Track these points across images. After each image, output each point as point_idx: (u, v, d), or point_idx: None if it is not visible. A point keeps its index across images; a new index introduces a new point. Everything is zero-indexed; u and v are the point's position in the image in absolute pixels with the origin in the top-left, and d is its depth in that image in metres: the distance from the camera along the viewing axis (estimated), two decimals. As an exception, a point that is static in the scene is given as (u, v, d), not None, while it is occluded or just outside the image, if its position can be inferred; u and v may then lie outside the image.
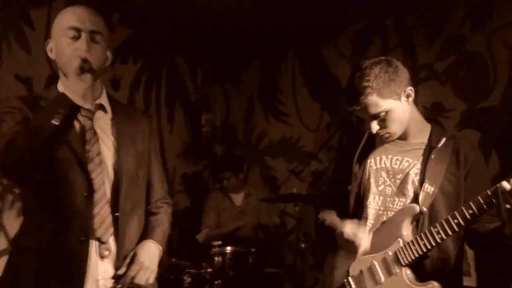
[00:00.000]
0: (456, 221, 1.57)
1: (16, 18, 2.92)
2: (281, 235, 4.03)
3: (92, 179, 1.51)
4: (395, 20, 3.84)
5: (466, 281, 2.44)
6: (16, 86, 2.88)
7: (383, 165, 1.79)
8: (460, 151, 1.73)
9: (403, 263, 1.66)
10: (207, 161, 4.46)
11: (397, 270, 1.67)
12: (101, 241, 1.52)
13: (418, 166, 1.74)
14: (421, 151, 1.75)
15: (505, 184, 1.44)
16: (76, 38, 1.52)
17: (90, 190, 1.50)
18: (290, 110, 4.30)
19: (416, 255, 1.64)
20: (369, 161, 1.81)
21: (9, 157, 1.39)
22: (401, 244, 1.68)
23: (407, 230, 1.70)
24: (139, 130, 1.67)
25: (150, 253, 1.58)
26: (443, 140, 1.73)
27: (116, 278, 1.53)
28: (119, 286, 1.52)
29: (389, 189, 1.77)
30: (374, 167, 1.80)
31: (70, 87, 1.46)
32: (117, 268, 1.54)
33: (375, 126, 1.69)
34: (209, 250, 3.07)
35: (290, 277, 3.57)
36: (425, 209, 1.68)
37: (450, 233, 1.59)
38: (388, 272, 1.69)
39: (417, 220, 1.70)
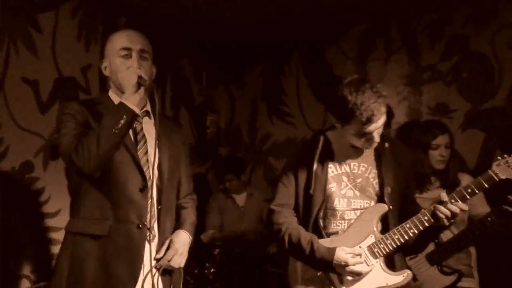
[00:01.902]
0: (426, 217, 1.82)
1: (23, 21, 2.97)
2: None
3: (145, 175, 1.77)
4: (398, 21, 3.85)
5: (469, 283, 2.45)
6: (23, 89, 2.93)
7: (343, 170, 1.95)
8: (396, 150, 1.98)
9: (378, 256, 1.85)
10: (212, 162, 4.49)
11: (373, 262, 1.86)
12: (149, 229, 1.77)
13: (374, 170, 1.95)
14: (372, 157, 1.97)
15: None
16: (128, 56, 1.81)
17: (144, 184, 1.76)
18: (294, 111, 4.32)
19: (391, 248, 1.85)
20: (329, 166, 1.95)
21: (79, 157, 1.65)
22: (374, 239, 1.87)
23: (377, 227, 1.89)
24: (175, 136, 1.95)
25: (183, 241, 1.87)
26: (387, 144, 1.96)
27: (156, 260, 1.80)
28: (158, 266, 1.80)
29: (351, 192, 1.94)
30: (335, 172, 1.95)
31: (127, 98, 1.71)
32: (156, 251, 1.82)
33: (378, 136, 1.87)
34: (213, 250, 3.09)
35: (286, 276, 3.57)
36: (391, 207, 1.89)
37: (421, 228, 1.83)
38: (364, 265, 1.84)
39: (384, 217, 1.90)
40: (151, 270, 1.77)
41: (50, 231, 2.99)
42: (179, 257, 1.83)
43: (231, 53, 4.50)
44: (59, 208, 3.01)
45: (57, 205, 3.00)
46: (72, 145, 1.67)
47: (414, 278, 2.41)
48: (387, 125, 3.32)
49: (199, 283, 3.03)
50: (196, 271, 3.01)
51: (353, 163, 1.97)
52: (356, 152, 1.97)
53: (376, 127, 1.82)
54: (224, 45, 4.34)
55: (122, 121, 1.66)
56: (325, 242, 1.87)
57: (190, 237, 1.91)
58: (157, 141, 1.79)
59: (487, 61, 3.51)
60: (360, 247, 1.87)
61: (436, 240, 2.40)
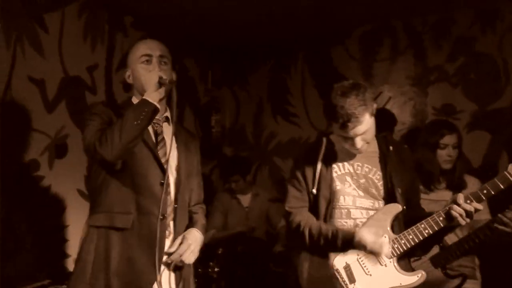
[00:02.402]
0: (441, 218, 1.84)
1: (30, 21, 3.00)
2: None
3: (164, 170, 1.85)
4: (404, 22, 3.84)
5: (471, 284, 2.44)
6: (30, 88, 2.95)
7: (346, 170, 1.99)
8: (400, 153, 2.03)
9: (391, 255, 1.87)
10: (217, 162, 4.50)
11: (386, 262, 1.88)
12: (167, 224, 1.86)
13: (378, 172, 1.98)
14: (376, 159, 2.00)
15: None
16: (149, 62, 1.92)
17: (164, 179, 1.84)
18: (299, 111, 4.32)
19: (405, 247, 1.87)
20: (333, 166, 1.99)
21: (102, 146, 1.72)
22: (387, 239, 1.88)
23: (390, 227, 1.91)
24: (191, 145, 2.07)
25: (196, 239, 1.92)
26: (391, 148, 2.00)
27: (168, 254, 1.87)
28: (170, 261, 1.86)
29: (355, 192, 1.97)
30: (339, 172, 1.99)
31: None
32: (170, 246, 1.89)
33: (360, 142, 1.89)
34: (216, 249, 3.10)
35: (297, 277, 3.57)
36: (404, 208, 1.91)
37: (436, 228, 1.84)
38: (377, 264, 1.88)
39: (395, 218, 1.92)
40: (165, 263, 1.85)
41: (56, 229, 3.02)
42: (190, 253, 1.87)
43: (237, 53, 4.51)
44: (64, 206, 3.04)
45: (62, 203, 3.02)
46: (96, 137, 1.76)
47: None
48: (390, 130, 3.34)
49: (203, 282, 3.04)
50: (200, 270, 3.02)
51: (357, 163, 2.00)
52: (359, 153, 1.98)
53: (355, 134, 1.85)
54: (229, 45, 4.35)
55: (143, 114, 1.75)
56: None
57: (202, 237, 1.98)
58: (175, 146, 1.93)
59: (493, 62, 3.50)
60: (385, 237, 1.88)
61: (440, 244, 2.39)
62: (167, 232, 1.87)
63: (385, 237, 1.88)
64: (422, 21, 3.77)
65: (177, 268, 1.90)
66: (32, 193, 2.91)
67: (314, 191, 1.95)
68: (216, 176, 4.51)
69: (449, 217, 1.83)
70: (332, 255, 1.92)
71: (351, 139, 1.88)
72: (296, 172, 2.03)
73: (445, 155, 2.54)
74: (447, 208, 1.83)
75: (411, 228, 1.88)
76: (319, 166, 1.97)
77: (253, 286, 3.11)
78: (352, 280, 1.88)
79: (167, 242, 1.89)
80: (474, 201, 1.82)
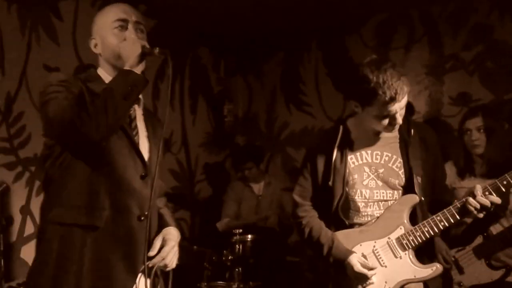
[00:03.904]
0: (457, 210, 1.78)
1: (45, 10, 3.00)
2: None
3: (145, 162, 1.59)
4: (420, 10, 3.78)
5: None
6: (45, 76, 2.97)
7: (364, 160, 1.90)
8: (424, 136, 1.92)
9: (407, 248, 1.82)
10: (229, 151, 4.50)
11: (401, 254, 1.83)
12: (141, 219, 1.57)
13: (399, 160, 1.88)
14: (396, 145, 1.91)
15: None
16: (124, 28, 1.61)
17: (145, 171, 1.58)
18: (312, 101, 4.29)
19: (420, 240, 1.82)
20: (349, 157, 1.90)
21: (85, 125, 1.41)
22: (404, 231, 1.83)
23: (407, 218, 1.85)
24: (157, 131, 1.73)
25: (177, 239, 1.67)
26: (412, 131, 1.89)
27: (148, 258, 1.58)
28: (151, 265, 1.58)
29: (373, 182, 1.89)
30: (356, 163, 1.90)
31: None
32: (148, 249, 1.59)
33: (400, 117, 1.79)
34: (231, 238, 3.11)
35: (311, 266, 3.58)
36: (423, 199, 1.84)
37: (452, 221, 1.79)
38: (392, 256, 1.84)
39: (414, 209, 1.86)
40: (145, 268, 1.56)
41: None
42: (174, 256, 1.64)
43: (250, 42, 4.48)
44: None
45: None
46: (73, 113, 1.42)
47: (461, 271, 2.38)
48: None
49: (217, 269, 3.05)
50: (214, 258, 3.03)
51: (375, 152, 1.91)
52: (379, 140, 1.91)
53: (400, 107, 1.76)
54: (242, 34, 4.32)
55: (133, 89, 1.48)
56: (354, 233, 1.87)
57: (180, 235, 1.72)
58: (146, 133, 1.66)
59: (511, 50, 3.43)
60: (389, 238, 1.84)
61: (485, 233, 2.33)
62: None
63: (400, 228, 1.83)
64: (438, 9, 3.71)
65: (156, 274, 1.62)
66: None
67: (330, 183, 1.87)
68: (229, 165, 4.51)
69: (465, 209, 1.78)
70: (349, 245, 1.86)
71: (391, 116, 1.77)
72: (307, 160, 1.97)
73: (469, 140, 2.48)
74: (463, 200, 1.78)
75: (426, 220, 1.82)
76: (333, 156, 1.88)
77: (266, 275, 3.12)
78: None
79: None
80: (493, 193, 1.76)
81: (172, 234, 1.65)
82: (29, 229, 2.90)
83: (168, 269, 1.63)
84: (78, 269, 1.46)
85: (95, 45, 1.67)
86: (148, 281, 1.57)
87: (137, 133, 1.62)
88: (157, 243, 1.60)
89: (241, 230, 3.08)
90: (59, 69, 3.03)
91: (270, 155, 4.40)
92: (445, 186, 2.03)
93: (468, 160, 2.51)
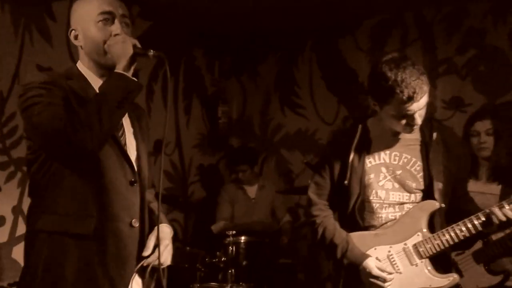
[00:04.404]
0: (480, 221, 1.71)
1: (39, 10, 2.99)
2: (295, 227, 4.05)
3: (134, 167, 1.53)
4: (414, 13, 3.80)
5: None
6: (38, 76, 2.95)
7: (382, 160, 1.84)
8: (446, 140, 1.84)
9: (424, 256, 1.76)
10: (223, 153, 4.50)
11: (417, 262, 1.76)
12: (135, 225, 1.53)
13: (419, 163, 1.81)
14: (417, 147, 1.83)
15: None
16: (109, 21, 1.50)
17: (134, 178, 1.53)
18: (306, 103, 4.30)
19: (438, 249, 1.75)
20: (367, 156, 1.84)
21: (78, 134, 1.36)
22: (421, 238, 1.77)
23: (425, 225, 1.78)
24: (143, 124, 1.68)
25: (170, 237, 1.64)
26: (435, 135, 1.81)
27: (142, 258, 1.56)
28: (146, 264, 1.55)
29: (389, 184, 1.82)
30: (373, 163, 1.84)
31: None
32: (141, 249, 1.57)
33: (419, 118, 1.72)
34: (224, 239, 3.11)
35: (304, 268, 3.59)
36: (443, 205, 1.76)
37: (474, 232, 1.72)
38: (408, 263, 1.77)
39: (432, 215, 1.78)
40: (137, 271, 1.54)
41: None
42: (168, 254, 1.61)
43: (244, 44, 4.48)
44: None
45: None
46: (62, 118, 1.35)
47: (460, 274, 2.33)
48: None
49: (210, 271, 3.05)
50: (207, 259, 3.03)
51: (394, 153, 1.83)
52: (398, 141, 1.83)
53: (418, 107, 1.67)
54: (237, 36, 4.32)
55: (127, 95, 1.41)
56: (369, 236, 1.81)
57: (172, 231, 1.69)
58: (132, 130, 1.60)
59: (503, 55, 3.46)
60: (406, 244, 1.78)
61: (485, 239, 2.29)
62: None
63: (418, 235, 1.77)
64: (432, 13, 3.73)
65: (153, 271, 1.59)
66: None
67: (346, 182, 1.81)
68: (223, 167, 4.51)
69: (489, 220, 1.70)
70: (363, 249, 1.80)
71: (410, 116, 1.69)
72: (324, 159, 1.92)
73: (477, 143, 2.45)
74: (487, 211, 1.72)
75: (446, 229, 1.75)
76: (351, 156, 1.82)
77: (259, 277, 3.12)
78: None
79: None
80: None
81: (165, 232, 1.61)
82: (21, 229, 2.88)
83: (163, 266, 1.57)
84: (67, 278, 1.42)
85: (75, 37, 1.55)
86: (143, 281, 1.55)
87: (123, 132, 1.55)
88: (151, 243, 1.56)
89: (234, 232, 3.08)
90: (52, 70, 3.02)
91: (264, 157, 4.40)
92: (466, 195, 1.95)
93: (473, 163, 2.42)
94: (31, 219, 1.51)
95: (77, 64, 1.58)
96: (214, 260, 3.03)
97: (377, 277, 1.73)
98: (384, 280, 1.73)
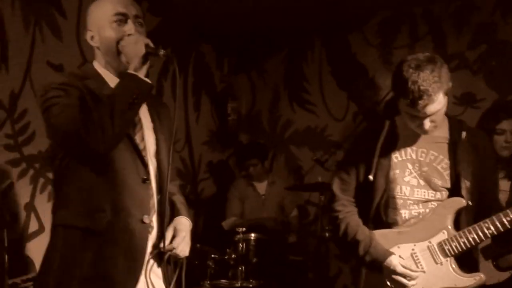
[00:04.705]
0: (508, 218, 1.67)
1: (49, 7, 3.00)
2: (304, 224, 4.04)
3: (147, 164, 1.57)
4: (424, 8, 3.76)
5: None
6: (48, 73, 2.96)
7: (408, 156, 1.82)
8: (476, 143, 1.82)
9: (449, 254, 1.73)
10: (233, 149, 4.49)
11: (442, 260, 1.74)
12: (146, 221, 1.56)
13: (446, 161, 1.79)
14: (444, 145, 1.81)
15: None
16: (123, 22, 1.56)
17: (147, 175, 1.56)
18: (316, 99, 4.28)
19: (464, 247, 1.71)
20: (394, 152, 1.82)
21: (91, 135, 1.41)
22: (446, 236, 1.74)
23: (451, 223, 1.76)
24: (163, 116, 1.71)
25: (188, 229, 1.67)
26: (464, 134, 1.79)
27: (159, 249, 1.59)
28: (164, 251, 1.58)
29: (415, 181, 1.80)
30: (400, 159, 1.82)
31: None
32: (154, 246, 1.60)
33: (428, 123, 1.70)
34: (234, 236, 3.11)
35: (313, 265, 3.58)
36: (470, 203, 1.73)
37: (502, 229, 1.68)
38: (432, 261, 1.75)
39: (458, 213, 1.76)
40: (146, 267, 1.57)
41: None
42: (186, 245, 1.64)
43: (253, 40, 4.47)
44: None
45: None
46: (79, 122, 1.41)
47: None
48: None
49: (220, 268, 3.05)
50: (217, 256, 3.03)
51: (421, 150, 1.81)
52: (426, 138, 1.81)
53: (425, 114, 1.65)
54: (246, 32, 4.31)
55: (138, 95, 1.45)
56: (392, 233, 1.79)
57: (191, 224, 1.72)
58: (152, 124, 1.64)
59: (515, 49, 3.43)
60: (430, 242, 1.76)
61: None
62: (151, 229, 1.58)
63: (443, 232, 1.74)
64: (443, 7, 3.69)
65: (169, 263, 1.63)
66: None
67: (371, 177, 1.79)
68: (233, 163, 4.50)
69: None
70: (386, 246, 1.78)
71: (419, 119, 1.69)
72: (350, 153, 1.91)
73: (502, 141, 2.41)
74: None
75: (473, 227, 1.71)
76: (378, 151, 1.80)
77: (269, 274, 3.12)
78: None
79: (150, 238, 1.58)
80: None
81: (183, 224, 1.65)
82: (33, 226, 2.90)
83: (180, 257, 1.62)
84: (80, 272, 1.47)
85: (92, 37, 1.61)
86: (164, 274, 1.60)
87: (141, 127, 1.59)
88: (169, 234, 1.60)
89: (244, 229, 3.08)
90: (63, 66, 3.03)
91: (273, 154, 4.39)
92: (495, 196, 1.93)
93: None
94: (53, 214, 1.59)
95: (93, 63, 1.64)
96: (224, 257, 3.03)
97: (401, 275, 1.70)
98: (410, 278, 1.70)
